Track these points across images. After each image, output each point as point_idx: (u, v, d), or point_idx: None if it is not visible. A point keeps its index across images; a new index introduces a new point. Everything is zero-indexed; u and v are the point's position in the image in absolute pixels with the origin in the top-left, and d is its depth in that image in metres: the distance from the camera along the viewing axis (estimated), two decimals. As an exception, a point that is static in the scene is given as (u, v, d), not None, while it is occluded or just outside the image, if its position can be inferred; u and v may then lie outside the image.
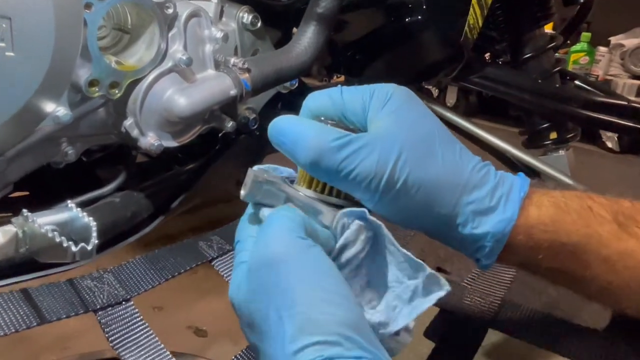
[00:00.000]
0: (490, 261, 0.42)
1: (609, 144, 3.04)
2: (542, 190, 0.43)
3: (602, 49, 3.26)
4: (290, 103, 0.79)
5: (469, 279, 0.65)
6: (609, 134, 2.93)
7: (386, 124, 0.40)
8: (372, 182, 0.38)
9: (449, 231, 0.42)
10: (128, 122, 0.58)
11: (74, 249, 0.41)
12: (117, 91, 0.55)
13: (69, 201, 0.47)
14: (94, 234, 0.43)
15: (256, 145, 0.78)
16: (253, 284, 0.36)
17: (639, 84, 3.04)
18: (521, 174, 0.43)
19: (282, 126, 0.40)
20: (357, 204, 0.41)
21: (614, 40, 3.28)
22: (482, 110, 3.39)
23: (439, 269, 1.70)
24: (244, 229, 0.42)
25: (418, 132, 0.40)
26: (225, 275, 0.59)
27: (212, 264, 0.61)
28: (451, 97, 3.51)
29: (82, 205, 0.61)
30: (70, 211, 0.46)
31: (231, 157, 0.77)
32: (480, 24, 0.87)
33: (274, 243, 0.35)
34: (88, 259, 0.43)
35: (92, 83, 0.53)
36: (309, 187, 0.41)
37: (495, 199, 0.41)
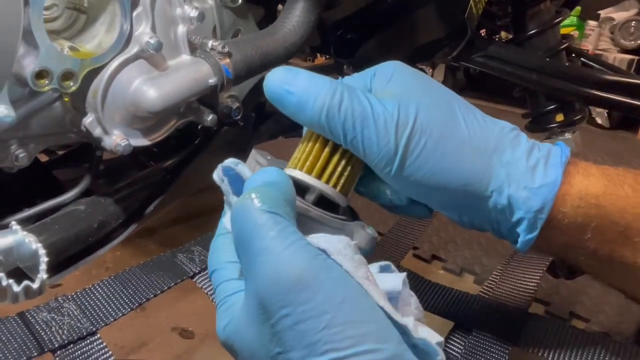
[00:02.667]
0: (530, 236, 0.37)
1: (599, 120, 2.99)
2: (587, 162, 0.38)
3: (591, 22, 3.19)
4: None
5: (485, 287, 0.58)
6: (599, 109, 2.88)
7: (396, 91, 0.36)
8: (390, 144, 0.34)
9: (480, 203, 0.36)
10: (88, 120, 0.49)
11: (15, 288, 0.32)
12: (71, 83, 0.46)
13: (12, 222, 0.38)
14: (43, 266, 0.35)
15: (241, 137, 0.70)
16: (263, 327, 0.30)
17: (629, 59, 2.98)
18: (560, 142, 0.38)
19: (286, 75, 0.35)
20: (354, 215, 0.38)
21: (603, 13, 3.21)
22: (469, 87, 3.32)
23: (433, 257, 1.63)
24: (219, 251, 0.36)
25: (433, 95, 0.37)
26: (210, 294, 0.52)
27: (194, 280, 0.53)
28: (438, 74, 3.42)
29: (41, 217, 0.53)
30: (15, 235, 0.37)
31: (213, 152, 0.69)
32: (486, -3, 0.79)
33: (287, 268, 0.29)
34: (37, 296, 0.35)
35: (40, 75, 0.44)
36: (302, 167, 0.36)
37: (532, 160, 0.36)
